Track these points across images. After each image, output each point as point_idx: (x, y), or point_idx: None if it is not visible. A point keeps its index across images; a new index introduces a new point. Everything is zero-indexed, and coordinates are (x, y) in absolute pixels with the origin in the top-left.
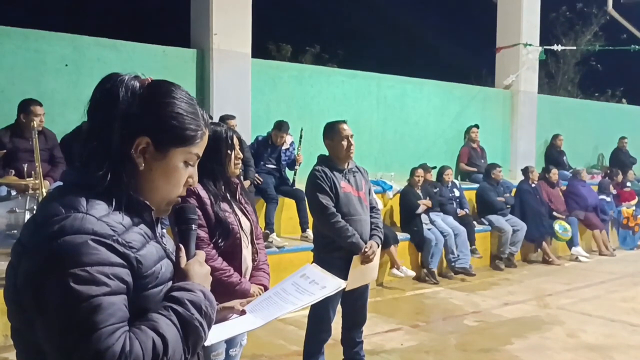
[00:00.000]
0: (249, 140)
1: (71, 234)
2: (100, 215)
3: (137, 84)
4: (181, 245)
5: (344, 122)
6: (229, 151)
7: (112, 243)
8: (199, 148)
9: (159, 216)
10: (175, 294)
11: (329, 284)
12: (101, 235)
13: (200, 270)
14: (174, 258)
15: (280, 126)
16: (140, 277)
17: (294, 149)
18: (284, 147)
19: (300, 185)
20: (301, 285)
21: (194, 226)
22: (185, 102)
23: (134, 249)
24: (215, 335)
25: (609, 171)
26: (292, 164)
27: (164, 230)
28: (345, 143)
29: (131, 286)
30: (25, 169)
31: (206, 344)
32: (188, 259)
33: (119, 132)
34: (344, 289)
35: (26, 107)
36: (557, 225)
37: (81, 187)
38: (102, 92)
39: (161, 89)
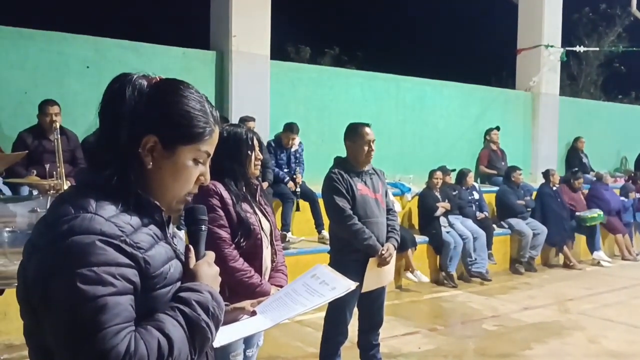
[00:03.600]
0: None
1: (79, 234)
2: (108, 215)
3: (145, 83)
4: (190, 246)
5: (368, 125)
6: (249, 152)
7: (120, 243)
8: (209, 145)
9: (170, 215)
10: (182, 294)
11: (339, 285)
12: (109, 236)
13: (209, 271)
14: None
15: (292, 128)
16: (148, 277)
17: (302, 150)
18: (293, 149)
19: (314, 187)
20: (311, 285)
21: (203, 227)
22: (193, 99)
23: (142, 250)
24: (225, 336)
25: (632, 174)
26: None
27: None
28: (366, 148)
29: (138, 286)
30: (47, 169)
31: (215, 344)
32: (197, 259)
33: (126, 131)
34: (357, 290)
35: (41, 107)
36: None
37: (91, 188)
38: (111, 92)
39: (168, 87)
